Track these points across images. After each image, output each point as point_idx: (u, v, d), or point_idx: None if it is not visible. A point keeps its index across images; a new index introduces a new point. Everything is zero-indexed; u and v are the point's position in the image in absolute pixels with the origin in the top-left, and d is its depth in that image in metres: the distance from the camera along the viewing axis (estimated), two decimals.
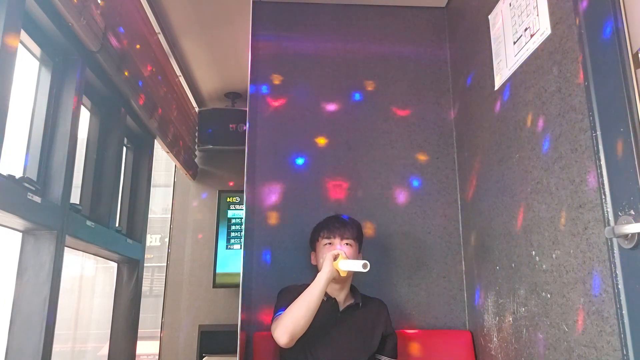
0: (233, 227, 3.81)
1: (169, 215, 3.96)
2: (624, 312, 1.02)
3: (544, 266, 1.42)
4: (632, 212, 1.01)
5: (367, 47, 2.36)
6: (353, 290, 1.81)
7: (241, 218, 3.76)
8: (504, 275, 1.69)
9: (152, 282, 7.36)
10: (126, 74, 2.30)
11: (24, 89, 1.81)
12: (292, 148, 2.20)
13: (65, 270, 1.86)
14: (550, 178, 1.38)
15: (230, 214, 3.82)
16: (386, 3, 2.39)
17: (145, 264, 2.83)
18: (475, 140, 1.98)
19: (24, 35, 1.71)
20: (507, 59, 1.68)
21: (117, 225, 2.54)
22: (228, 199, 3.85)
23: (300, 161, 2.19)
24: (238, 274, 1.97)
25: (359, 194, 2.17)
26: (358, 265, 1.53)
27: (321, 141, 2.22)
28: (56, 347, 1.79)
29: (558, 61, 1.35)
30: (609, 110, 1.10)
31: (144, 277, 2.81)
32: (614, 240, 1.06)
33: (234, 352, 1.80)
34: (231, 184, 3.93)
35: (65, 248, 1.87)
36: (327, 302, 1.71)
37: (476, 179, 1.98)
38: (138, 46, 2.50)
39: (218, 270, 3.68)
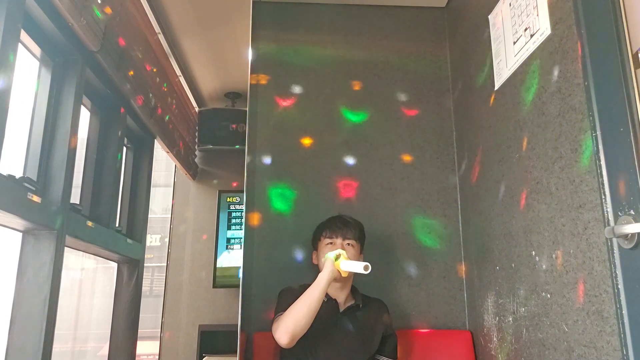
0: (233, 227, 3.81)
1: (169, 215, 3.96)
2: (624, 312, 1.02)
3: (544, 266, 1.42)
4: (632, 212, 1.01)
5: (367, 47, 2.36)
6: (354, 290, 1.81)
7: (241, 218, 3.76)
8: (504, 275, 1.69)
9: (152, 282, 7.35)
10: (126, 74, 2.30)
11: (24, 89, 1.81)
12: (292, 148, 2.20)
13: (66, 270, 1.86)
14: (550, 178, 1.38)
15: (230, 214, 3.83)
16: (386, 3, 2.39)
17: (145, 264, 2.83)
18: (476, 140, 1.98)
19: (24, 35, 1.71)
20: (507, 59, 1.68)
21: (117, 225, 2.54)
22: (228, 199, 3.86)
23: (300, 161, 2.19)
24: (238, 274, 1.97)
25: (359, 194, 2.17)
26: (359, 267, 1.53)
27: (321, 141, 2.22)
28: (56, 347, 1.79)
29: (558, 61, 1.35)
30: (609, 110, 1.10)
31: (144, 277, 2.81)
32: (614, 240, 1.06)
33: (234, 352, 1.80)
34: (234, 184, 3.94)
35: (65, 248, 1.87)
36: (328, 303, 1.71)
37: (476, 179, 1.98)
38: (138, 46, 2.50)
39: (218, 271, 3.69)
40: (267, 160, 2.18)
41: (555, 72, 1.36)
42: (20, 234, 1.77)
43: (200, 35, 2.90)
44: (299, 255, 2.05)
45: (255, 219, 2.10)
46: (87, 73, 2.06)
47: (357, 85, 2.30)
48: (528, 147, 1.52)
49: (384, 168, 2.20)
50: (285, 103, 2.26)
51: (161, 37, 2.81)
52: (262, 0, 2.35)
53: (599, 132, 1.13)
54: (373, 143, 2.23)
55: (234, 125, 3.81)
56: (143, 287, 2.84)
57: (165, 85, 3.02)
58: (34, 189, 1.70)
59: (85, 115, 2.31)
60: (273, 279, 2.01)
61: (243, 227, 2.01)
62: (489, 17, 1.84)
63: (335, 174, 2.18)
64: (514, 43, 1.63)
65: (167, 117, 3.05)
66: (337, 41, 2.36)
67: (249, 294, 2.01)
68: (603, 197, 1.10)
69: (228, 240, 3.77)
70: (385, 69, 2.33)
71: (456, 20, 2.28)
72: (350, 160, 2.20)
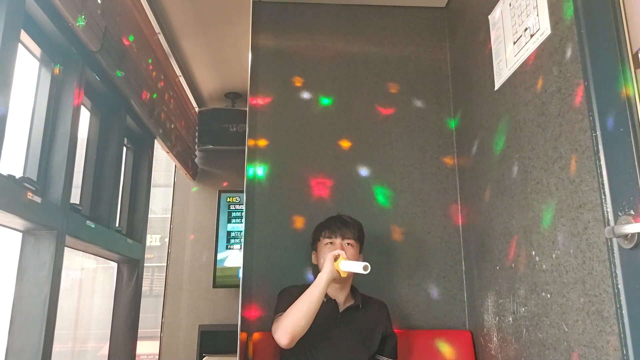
0: (233, 227, 3.81)
1: (169, 215, 3.96)
2: (624, 312, 1.03)
3: (544, 266, 1.42)
4: (632, 212, 1.01)
5: (367, 47, 2.36)
6: (353, 290, 1.81)
7: (241, 218, 3.76)
8: (504, 275, 1.69)
9: (152, 282, 7.35)
10: (126, 74, 2.30)
11: (24, 89, 1.81)
12: (291, 148, 2.20)
13: (66, 270, 1.86)
14: (550, 178, 1.38)
15: (230, 214, 3.83)
16: (386, 3, 2.39)
17: (145, 264, 2.83)
18: (475, 141, 1.98)
19: (24, 35, 1.71)
20: (507, 59, 1.68)
21: (117, 225, 2.54)
22: (228, 199, 3.86)
23: (300, 161, 2.19)
24: (238, 274, 1.97)
25: (359, 194, 2.17)
26: (359, 267, 1.53)
27: (321, 141, 2.22)
28: (56, 347, 1.79)
29: (558, 61, 1.35)
30: (609, 110, 1.10)
31: (144, 277, 2.81)
32: (614, 240, 1.06)
33: (234, 352, 1.80)
34: (225, 184, 3.95)
35: (66, 248, 1.87)
36: (327, 304, 1.70)
37: (476, 179, 1.98)
38: (138, 46, 2.50)
39: (218, 271, 3.69)
40: (266, 160, 2.17)
41: (555, 72, 1.36)
42: (20, 234, 1.77)
43: (200, 35, 2.90)
44: (299, 255, 2.05)
45: (255, 218, 2.10)
46: (87, 73, 2.06)
47: (357, 85, 2.30)
48: (528, 147, 1.52)
49: (383, 168, 2.20)
50: (285, 103, 2.26)
51: (161, 37, 2.81)
52: (262, 0, 2.35)
53: (599, 132, 1.13)
54: (373, 143, 2.23)
55: (234, 126, 3.82)
56: (143, 287, 2.84)
57: (165, 85, 3.02)
58: (34, 189, 1.70)
59: (85, 115, 2.31)
60: (273, 279, 2.01)
61: (243, 226, 2.01)
62: (489, 17, 1.84)
63: (335, 174, 2.18)
64: (514, 43, 1.63)
65: (167, 117, 3.05)
66: (337, 41, 2.36)
67: (249, 294, 2.01)
68: (603, 197, 1.11)
69: (228, 240, 3.77)
70: (385, 68, 2.33)
71: (456, 20, 2.28)
72: (350, 160, 2.20)
